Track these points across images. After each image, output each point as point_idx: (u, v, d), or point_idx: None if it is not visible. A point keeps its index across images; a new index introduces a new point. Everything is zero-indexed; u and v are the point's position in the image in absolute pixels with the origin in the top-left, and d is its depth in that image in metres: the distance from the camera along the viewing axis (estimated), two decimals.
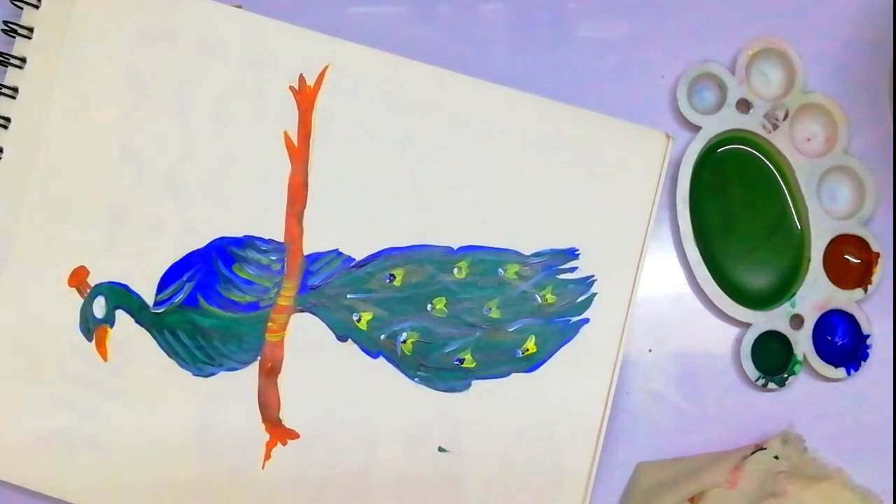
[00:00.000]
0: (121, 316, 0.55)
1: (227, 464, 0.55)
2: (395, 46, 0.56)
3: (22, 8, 0.56)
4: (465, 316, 0.55)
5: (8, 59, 0.55)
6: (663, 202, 0.56)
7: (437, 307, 0.55)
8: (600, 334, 0.55)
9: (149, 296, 0.55)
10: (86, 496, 0.55)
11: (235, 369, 0.55)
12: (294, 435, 0.55)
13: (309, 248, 0.55)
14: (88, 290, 0.55)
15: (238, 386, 0.55)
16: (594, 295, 0.55)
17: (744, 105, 0.59)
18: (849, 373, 0.58)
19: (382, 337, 0.55)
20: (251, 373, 0.55)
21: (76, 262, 0.55)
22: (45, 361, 0.55)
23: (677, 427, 0.58)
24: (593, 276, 0.55)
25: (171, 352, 0.55)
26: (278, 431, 0.55)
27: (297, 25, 0.56)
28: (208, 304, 0.55)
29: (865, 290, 0.58)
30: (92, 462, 0.55)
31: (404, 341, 0.55)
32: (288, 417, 0.55)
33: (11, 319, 0.55)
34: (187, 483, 0.55)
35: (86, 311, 0.55)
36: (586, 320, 0.55)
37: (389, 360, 0.55)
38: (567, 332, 0.55)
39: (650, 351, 0.58)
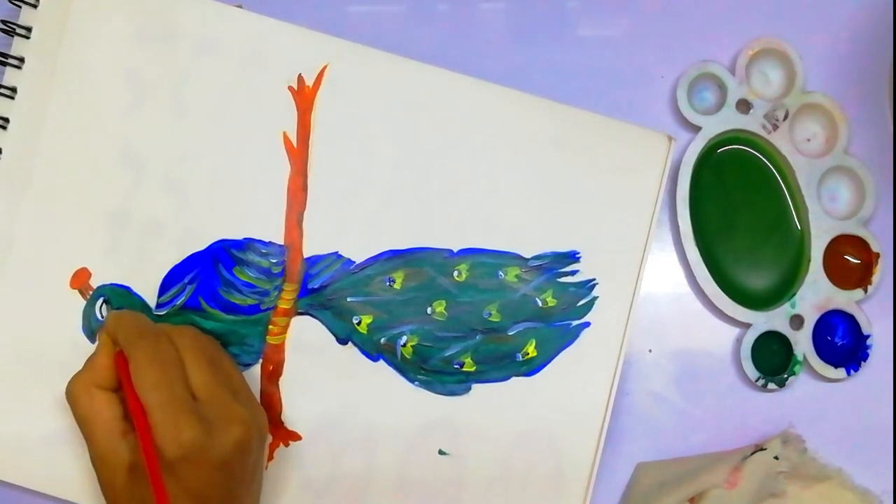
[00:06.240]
0: None
1: None
2: (395, 46, 0.56)
3: (20, 7, 0.55)
4: (465, 319, 0.55)
5: (6, 59, 0.55)
6: (663, 202, 0.56)
7: (437, 310, 0.55)
8: (601, 338, 0.55)
9: (150, 298, 0.55)
10: (86, 496, 0.55)
11: None
12: (296, 437, 0.55)
13: (309, 250, 0.55)
14: (91, 292, 0.55)
15: None
16: (595, 298, 0.55)
17: (744, 105, 0.59)
18: (849, 373, 0.58)
19: (382, 340, 0.55)
20: (253, 375, 0.55)
21: (78, 264, 0.55)
22: (47, 362, 0.55)
23: (677, 427, 0.58)
24: (594, 279, 0.55)
25: None
26: (280, 433, 0.55)
27: (295, 25, 0.55)
28: (210, 307, 0.55)
29: (865, 291, 0.58)
30: None
31: (404, 345, 0.55)
32: (289, 419, 0.55)
33: (13, 320, 0.55)
34: None
35: (88, 313, 0.55)
36: (587, 324, 0.55)
37: (390, 363, 0.55)
38: (568, 336, 0.55)
39: (650, 351, 0.59)
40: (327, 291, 0.55)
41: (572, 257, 0.55)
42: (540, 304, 0.55)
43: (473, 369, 0.55)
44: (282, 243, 0.55)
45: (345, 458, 0.55)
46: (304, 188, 0.55)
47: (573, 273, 0.55)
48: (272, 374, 0.55)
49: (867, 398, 0.59)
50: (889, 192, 0.59)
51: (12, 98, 0.55)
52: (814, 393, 0.58)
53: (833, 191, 0.59)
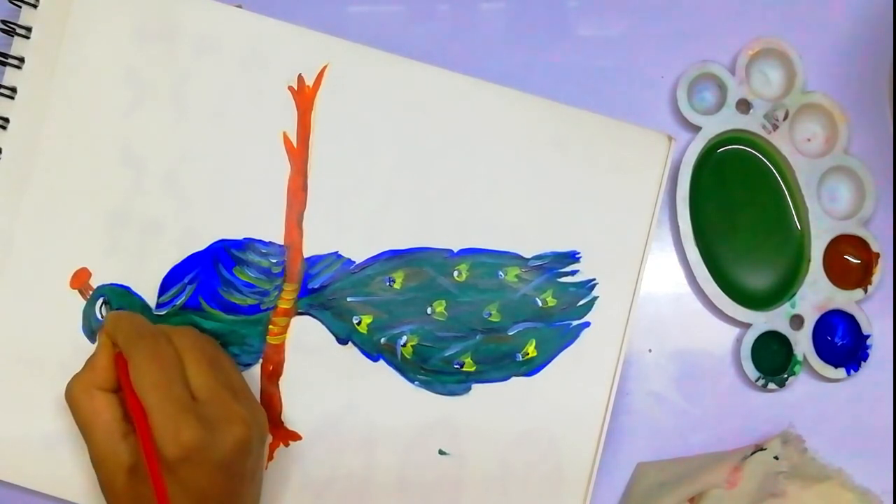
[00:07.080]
0: None
1: None
2: (395, 46, 0.56)
3: (20, 7, 0.55)
4: (465, 319, 0.55)
5: (6, 59, 0.55)
6: (663, 202, 0.56)
7: (437, 310, 0.55)
8: (601, 338, 0.55)
9: (150, 298, 0.55)
10: (86, 496, 0.55)
11: None
12: (296, 437, 0.55)
13: (309, 250, 0.55)
14: (91, 292, 0.55)
15: None
16: (595, 298, 0.55)
17: (744, 105, 0.58)
18: (849, 373, 0.58)
19: (382, 340, 0.55)
20: (253, 375, 0.55)
21: (78, 264, 0.55)
22: (47, 362, 0.55)
23: (677, 427, 0.58)
24: (594, 279, 0.55)
25: None
26: (280, 433, 0.55)
27: (295, 25, 0.55)
28: (210, 307, 0.55)
29: (865, 291, 0.58)
30: None
31: (404, 345, 0.55)
32: (289, 419, 0.55)
33: (13, 320, 0.55)
34: None
35: (88, 313, 0.55)
36: (587, 324, 0.55)
37: (390, 363, 0.55)
38: (568, 336, 0.55)
39: (650, 351, 0.59)
40: (327, 291, 0.55)
41: (572, 257, 0.55)
42: (540, 304, 0.55)
43: (473, 369, 0.55)
44: (282, 243, 0.55)
45: (345, 458, 0.55)
46: (304, 188, 0.55)
47: (573, 273, 0.55)
48: (272, 374, 0.55)
49: (867, 398, 0.58)
50: (889, 192, 0.59)
51: (12, 98, 0.55)
52: (814, 393, 0.58)
53: (833, 191, 0.59)
